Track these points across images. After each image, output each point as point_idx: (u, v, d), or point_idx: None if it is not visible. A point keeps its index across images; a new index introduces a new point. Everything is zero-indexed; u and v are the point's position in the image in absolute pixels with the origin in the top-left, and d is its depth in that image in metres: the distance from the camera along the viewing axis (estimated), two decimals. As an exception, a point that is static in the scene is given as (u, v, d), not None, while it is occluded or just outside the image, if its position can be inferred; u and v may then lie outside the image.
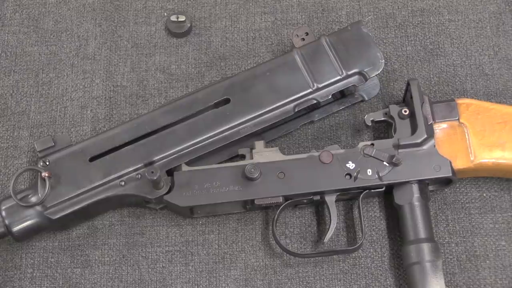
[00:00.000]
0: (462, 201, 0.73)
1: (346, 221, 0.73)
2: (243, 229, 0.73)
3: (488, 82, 0.77)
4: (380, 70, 0.71)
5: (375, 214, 0.73)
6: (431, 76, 0.77)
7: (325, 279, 0.71)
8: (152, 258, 0.73)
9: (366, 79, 0.71)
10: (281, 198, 0.69)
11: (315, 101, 0.71)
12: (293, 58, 0.71)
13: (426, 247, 0.67)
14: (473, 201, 0.73)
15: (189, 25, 0.80)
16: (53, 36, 0.81)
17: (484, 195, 0.73)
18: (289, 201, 0.70)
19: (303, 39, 0.73)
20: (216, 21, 0.81)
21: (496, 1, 0.80)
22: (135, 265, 0.72)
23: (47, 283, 0.72)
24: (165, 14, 0.82)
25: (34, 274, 0.72)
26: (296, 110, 0.71)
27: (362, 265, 0.71)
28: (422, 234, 0.68)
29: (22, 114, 0.78)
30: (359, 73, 0.71)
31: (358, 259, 0.71)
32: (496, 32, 0.79)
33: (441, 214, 0.72)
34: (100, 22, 0.82)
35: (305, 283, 0.71)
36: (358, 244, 0.69)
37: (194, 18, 0.81)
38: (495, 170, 0.70)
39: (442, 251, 0.71)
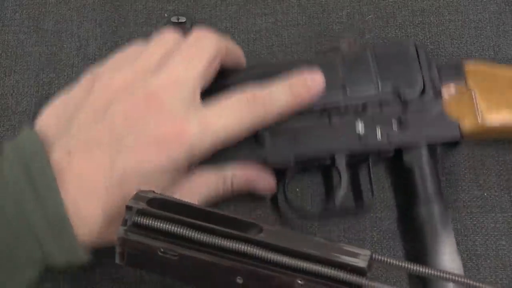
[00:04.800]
0: (464, 199, 0.73)
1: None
2: (243, 231, 0.73)
3: (489, 81, 0.77)
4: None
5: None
6: (432, 75, 0.78)
7: (325, 280, 0.71)
8: (153, 258, 0.72)
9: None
10: (291, 159, 0.69)
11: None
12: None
13: (436, 208, 0.68)
14: (474, 199, 0.73)
15: (189, 26, 0.80)
16: (53, 36, 0.81)
17: (485, 194, 0.73)
18: (298, 164, 0.69)
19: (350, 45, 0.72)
20: (217, 23, 0.81)
21: (496, 1, 0.80)
22: (135, 266, 0.72)
23: (48, 283, 0.71)
24: (166, 15, 0.82)
25: (35, 274, 0.72)
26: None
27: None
28: (432, 195, 0.69)
29: (22, 114, 0.78)
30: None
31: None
32: (496, 32, 0.79)
33: (442, 214, 0.72)
34: (101, 22, 0.82)
35: (305, 285, 0.71)
36: (368, 204, 0.71)
37: (195, 19, 0.81)
38: (503, 132, 0.71)
39: (443, 251, 0.71)
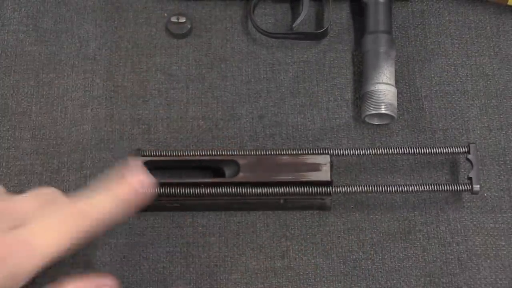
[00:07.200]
0: (464, 199, 0.73)
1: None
2: (244, 232, 0.73)
3: (489, 82, 0.77)
4: None
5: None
6: (432, 76, 0.78)
7: (325, 281, 0.71)
8: (153, 258, 0.72)
9: None
10: None
11: None
12: None
13: (382, 37, 0.75)
14: (474, 199, 0.73)
15: (189, 26, 0.80)
16: (53, 36, 0.81)
17: (485, 194, 0.73)
18: None
19: None
20: (217, 23, 0.81)
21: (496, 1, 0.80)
22: (136, 266, 0.72)
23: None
24: (165, 15, 0.82)
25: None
26: None
27: (363, 267, 0.71)
28: (381, 26, 0.75)
29: (23, 114, 0.78)
30: None
31: (358, 261, 0.71)
32: (496, 32, 0.79)
33: (442, 214, 0.72)
34: (101, 23, 0.81)
35: (305, 285, 0.71)
36: (325, 28, 0.77)
37: (195, 19, 0.81)
38: None
39: (443, 251, 0.71)
